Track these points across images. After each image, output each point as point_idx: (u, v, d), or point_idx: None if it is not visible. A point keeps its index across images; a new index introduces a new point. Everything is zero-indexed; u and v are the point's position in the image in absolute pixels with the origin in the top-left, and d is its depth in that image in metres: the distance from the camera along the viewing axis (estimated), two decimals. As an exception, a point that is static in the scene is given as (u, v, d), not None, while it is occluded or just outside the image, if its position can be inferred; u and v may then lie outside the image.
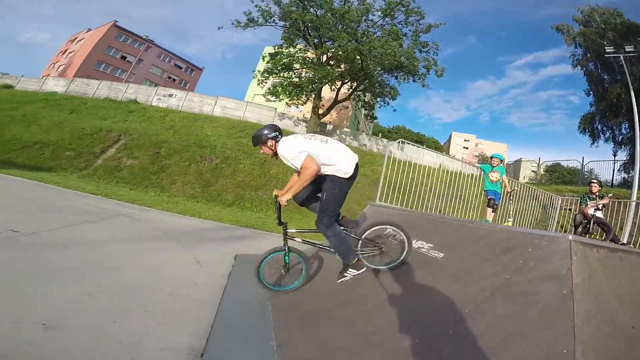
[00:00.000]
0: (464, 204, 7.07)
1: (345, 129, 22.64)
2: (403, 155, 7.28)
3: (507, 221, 6.57)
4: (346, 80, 20.05)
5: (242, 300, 2.73)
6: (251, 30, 19.66)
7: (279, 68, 19.71)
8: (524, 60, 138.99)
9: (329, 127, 21.61)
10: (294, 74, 19.91)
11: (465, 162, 7.72)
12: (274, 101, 21.82)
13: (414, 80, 19.23)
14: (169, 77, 49.20)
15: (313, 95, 19.71)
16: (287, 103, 22.25)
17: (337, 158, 2.68)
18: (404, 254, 2.78)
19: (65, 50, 47.69)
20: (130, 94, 21.19)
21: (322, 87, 19.37)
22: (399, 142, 7.07)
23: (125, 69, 43.76)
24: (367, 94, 21.59)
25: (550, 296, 1.67)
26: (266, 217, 9.59)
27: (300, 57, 19.85)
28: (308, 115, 22.37)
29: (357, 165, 2.75)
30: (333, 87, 19.96)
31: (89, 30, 47.31)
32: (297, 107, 25.41)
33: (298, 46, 20.00)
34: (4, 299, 1.88)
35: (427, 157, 10.04)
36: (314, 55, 19.54)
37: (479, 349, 1.60)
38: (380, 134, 23.41)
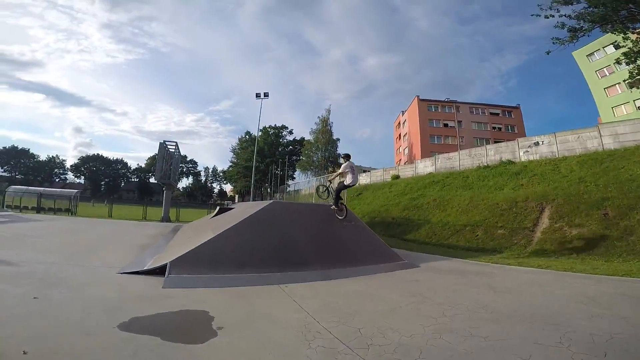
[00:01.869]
0: None
1: None
2: None
3: None
4: None
5: None
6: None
7: None
8: None
9: None
10: None
11: None
12: None
13: None
14: (494, 128, 48.66)
15: None
16: None
17: (350, 178, 8.11)
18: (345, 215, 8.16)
19: (399, 135, 59.62)
20: (493, 156, 21.38)
21: None
22: None
23: (452, 135, 47.88)
24: None
25: None
26: None
27: None
28: None
29: (354, 184, 8.38)
30: None
31: (403, 112, 56.82)
32: None
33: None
34: None
35: None
36: None
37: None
38: None
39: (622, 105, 32.95)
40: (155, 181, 27.25)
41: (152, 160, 71.60)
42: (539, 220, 11.56)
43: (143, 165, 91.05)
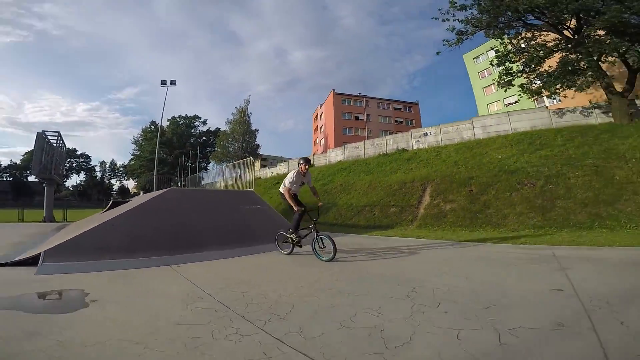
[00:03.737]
0: None
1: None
2: None
3: None
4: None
5: None
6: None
7: (527, 62, 17.49)
8: None
9: (640, 102, 15.95)
10: (539, 64, 17.37)
11: None
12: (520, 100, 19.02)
13: None
14: (396, 121, 53.67)
15: (593, 76, 15.89)
16: (546, 96, 19.21)
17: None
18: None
19: (317, 127, 61.60)
20: (391, 145, 23.87)
21: (599, 64, 15.66)
22: None
23: (362, 127, 51.38)
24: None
25: None
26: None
27: (538, 45, 17.40)
28: (570, 103, 18.53)
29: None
30: (611, 58, 15.93)
31: (321, 105, 59.17)
32: (556, 99, 21.24)
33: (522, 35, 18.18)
34: None
35: None
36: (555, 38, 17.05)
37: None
38: None
39: (495, 103, 39.60)
40: (35, 178, 23.18)
41: (30, 155, 60.19)
42: (422, 198, 13.49)
43: (18, 162, 75.84)
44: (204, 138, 63.75)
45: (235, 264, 5.32)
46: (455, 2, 18.11)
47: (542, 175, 11.51)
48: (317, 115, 61.24)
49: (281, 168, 35.18)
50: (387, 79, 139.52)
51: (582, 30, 16.03)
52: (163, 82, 30.50)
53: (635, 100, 16.36)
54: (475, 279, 3.93)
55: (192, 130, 64.63)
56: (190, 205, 7.38)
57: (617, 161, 11.17)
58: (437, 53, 21.25)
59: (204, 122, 65.54)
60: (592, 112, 16.93)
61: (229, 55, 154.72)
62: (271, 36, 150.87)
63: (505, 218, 10.66)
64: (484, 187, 12.29)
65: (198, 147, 52.44)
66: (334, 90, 53.28)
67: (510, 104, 35.85)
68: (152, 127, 62.26)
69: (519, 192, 11.31)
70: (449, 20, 18.77)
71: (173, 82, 30.88)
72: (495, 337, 2.15)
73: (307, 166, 6.01)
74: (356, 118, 52.92)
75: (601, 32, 15.41)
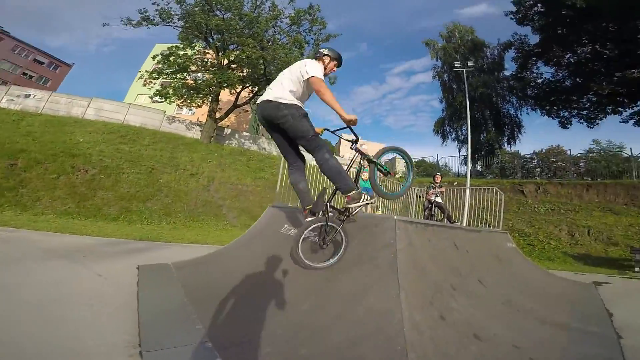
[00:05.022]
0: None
1: (245, 133, 22.74)
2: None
3: (377, 210, 7.91)
4: (247, 85, 20.08)
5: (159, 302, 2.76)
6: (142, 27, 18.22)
7: (173, 69, 18.57)
8: (401, 68, 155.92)
9: (227, 130, 21.33)
10: (189, 75, 19.18)
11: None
12: (161, 102, 20.15)
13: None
14: (25, 74, 40.47)
15: (209, 99, 19.31)
16: (178, 105, 21.11)
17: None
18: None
19: None
20: (-33, 93, 17.00)
21: (220, 90, 19.06)
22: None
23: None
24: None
25: (385, 258, 2.42)
26: (160, 229, 9.09)
27: (197, 59, 19.33)
28: (203, 119, 21.46)
29: (262, 104, 2.66)
30: (233, 91, 19.76)
31: None
32: (190, 110, 24.12)
33: (196, 48, 19.41)
34: None
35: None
36: (214, 59, 19.30)
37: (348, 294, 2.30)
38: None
39: (145, 95, 39.03)
40: None
41: None
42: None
43: None
44: None
45: None
46: None
47: (101, 165, 11.70)
48: None
49: None
50: (78, 30, 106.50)
51: (223, 59, 18.79)
52: None
53: (225, 129, 21.54)
54: None
55: None
56: None
57: (171, 168, 13.50)
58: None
59: None
60: (194, 127, 20.34)
61: None
62: None
63: (38, 200, 9.66)
64: (33, 164, 10.76)
65: None
66: None
67: (156, 101, 36.98)
68: None
69: (68, 176, 10.77)
70: (158, 4, 17.64)
71: None
72: None
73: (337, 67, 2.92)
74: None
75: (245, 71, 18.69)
